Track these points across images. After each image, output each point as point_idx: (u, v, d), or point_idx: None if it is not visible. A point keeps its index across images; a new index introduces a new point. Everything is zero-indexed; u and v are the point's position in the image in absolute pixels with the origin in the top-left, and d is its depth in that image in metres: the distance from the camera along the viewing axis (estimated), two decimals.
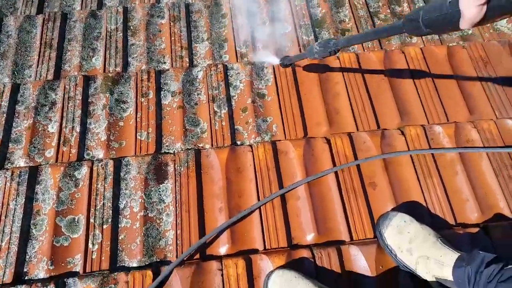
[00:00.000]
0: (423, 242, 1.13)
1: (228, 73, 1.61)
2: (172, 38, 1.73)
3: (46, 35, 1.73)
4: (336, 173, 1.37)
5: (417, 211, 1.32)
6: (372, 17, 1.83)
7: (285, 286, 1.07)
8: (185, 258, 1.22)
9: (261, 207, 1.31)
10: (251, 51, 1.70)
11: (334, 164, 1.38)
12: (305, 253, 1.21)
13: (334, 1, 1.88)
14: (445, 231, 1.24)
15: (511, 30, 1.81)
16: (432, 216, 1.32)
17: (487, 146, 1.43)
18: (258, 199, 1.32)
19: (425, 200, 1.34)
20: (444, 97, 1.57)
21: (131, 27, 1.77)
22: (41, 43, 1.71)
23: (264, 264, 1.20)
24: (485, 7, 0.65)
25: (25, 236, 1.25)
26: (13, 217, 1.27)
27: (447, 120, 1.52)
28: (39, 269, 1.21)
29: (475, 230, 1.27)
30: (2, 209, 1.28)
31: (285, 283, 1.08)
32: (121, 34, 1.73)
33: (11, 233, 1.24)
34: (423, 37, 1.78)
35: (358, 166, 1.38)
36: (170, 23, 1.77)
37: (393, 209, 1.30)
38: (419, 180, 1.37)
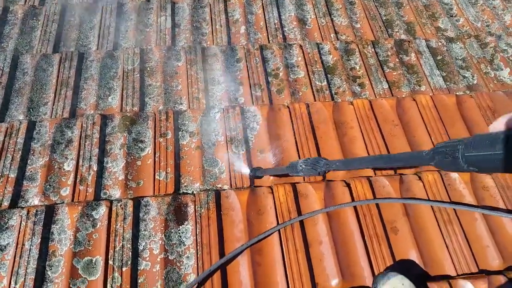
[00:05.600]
0: None
1: (245, 115, 1.63)
2: (189, 80, 1.76)
3: (63, 74, 1.74)
4: (358, 218, 1.36)
5: (439, 256, 1.32)
6: (382, 65, 1.90)
7: None
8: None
9: (284, 251, 1.29)
10: (265, 95, 1.74)
11: (355, 208, 1.38)
12: None
13: (345, 49, 1.95)
14: None
15: None
16: (454, 262, 1.31)
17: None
18: (280, 243, 1.30)
19: (446, 246, 1.34)
20: None
21: (148, 68, 1.80)
22: (57, 81, 1.72)
23: None
24: None
25: (40, 278, 1.20)
26: (28, 258, 1.22)
27: None
28: None
29: (498, 277, 1.26)
30: (16, 249, 1.23)
31: None
32: (138, 74, 1.76)
33: (25, 275, 1.19)
34: (432, 88, 1.84)
35: (379, 211, 1.38)
36: (187, 66, 1.80)
37: (402, 264, 1.30)
38: (439, 226, 1.37)
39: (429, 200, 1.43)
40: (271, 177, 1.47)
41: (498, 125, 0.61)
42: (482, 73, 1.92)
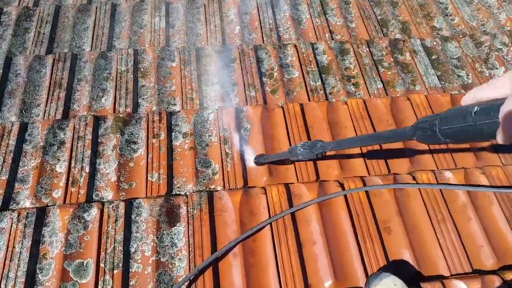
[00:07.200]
0: None
1: (239, 115, 1.63)
2: (183, 81, 1.75)
3: (56, 75, 1.73)
4: (351, 218, 1.35)
5: (432, 256, 1.31)
6: (377, 65, 1.90)
7: None
8: None
9: (277, 252, 1.28)
10: (260, 95, 1.73)
11: (349, 208, 1.37)
12: None
13: (339, 49, 1.95)
14: None
15: None
16: (447, 262, 1.30)
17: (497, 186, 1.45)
18: (273, 244, 1.30)
19: (440, 246, 1.33)
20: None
21: (142, 69, 1.79)
22: (50, 83, 1.71)
23: None
24: None
25: (31, 281, 1.19)
26: (18, 261, 1.21)
27: (455, 166, 1.54)
28: None
29: (492, 277, 1.25)
30: (7, 252, 1.22)
31: None
32: (131, 75, 1.75)
33: (15, 278, 1.18)
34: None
35: (373, 211, 1.37)
36: (180, 66, 1.79)
37: (395, 264, 1.29)
38: (433, 226, 1.36)
39: (417, 183, 1.43)
40: (265, 178, 1.46)
41: (467, 99, 0.67)
42: (477, 72, 1.91)
